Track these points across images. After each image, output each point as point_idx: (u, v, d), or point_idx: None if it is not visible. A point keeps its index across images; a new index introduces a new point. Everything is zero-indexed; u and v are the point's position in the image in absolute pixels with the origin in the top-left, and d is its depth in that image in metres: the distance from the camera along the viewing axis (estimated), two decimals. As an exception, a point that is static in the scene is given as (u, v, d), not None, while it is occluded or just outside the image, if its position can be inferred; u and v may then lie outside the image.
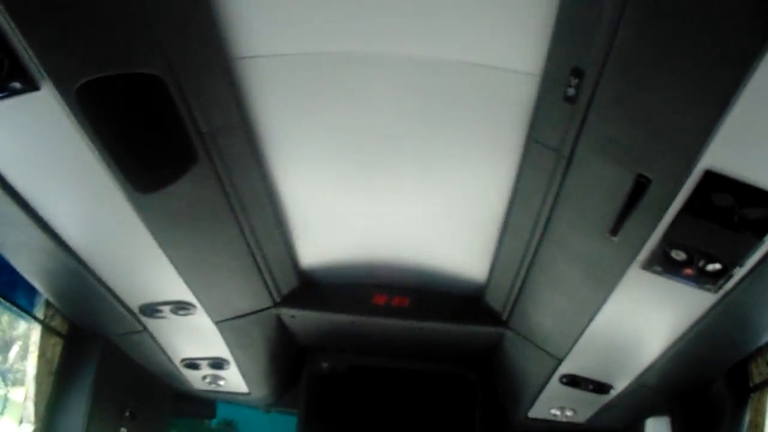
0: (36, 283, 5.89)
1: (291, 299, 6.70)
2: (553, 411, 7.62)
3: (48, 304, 6.31)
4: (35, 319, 6.21)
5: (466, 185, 5.10)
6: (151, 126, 4.10)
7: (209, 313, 6.19)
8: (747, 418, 5.82)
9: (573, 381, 6.70)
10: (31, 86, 3.51)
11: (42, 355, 6.30)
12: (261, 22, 3.83)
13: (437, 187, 5.18)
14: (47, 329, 6.37)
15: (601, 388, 6.74)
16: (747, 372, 5.86)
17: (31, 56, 3.32)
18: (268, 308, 6.61)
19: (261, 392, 8.14)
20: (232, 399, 8.54)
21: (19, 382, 6.80)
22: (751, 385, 5.81)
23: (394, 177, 5.11)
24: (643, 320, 5.34)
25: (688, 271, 4.40)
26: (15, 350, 8.09)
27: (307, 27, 3.88)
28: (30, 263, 5.49)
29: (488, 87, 4.10)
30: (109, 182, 4.28)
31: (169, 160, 4.37)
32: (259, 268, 5.88)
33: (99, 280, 5.62)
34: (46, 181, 4.49)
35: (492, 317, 6.68)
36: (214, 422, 10.47)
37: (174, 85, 3.80)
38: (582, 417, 7.72)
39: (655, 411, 6.85)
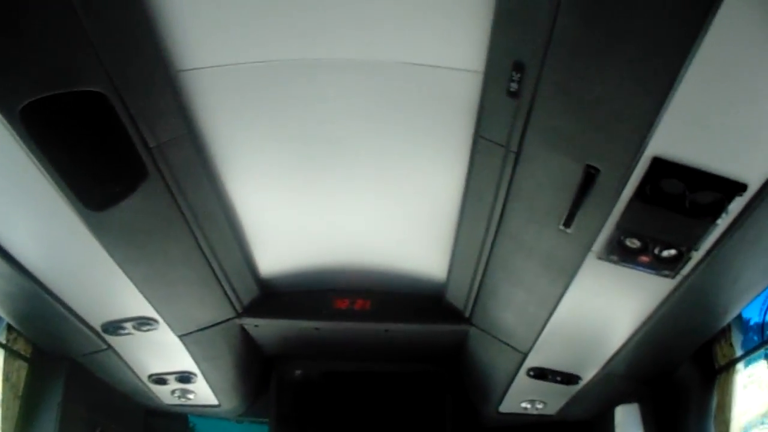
0: (-5, 307, 5.83)
1: (253, 309, 6.69)
2: (523, 404, 7.66)
3: (10, 327, 6.22)
4: (-3, 343, 6.14)
5: (418, 185, 5.11)
6: (99, 143, 4.07)
7: (172, 327, 6.16)
8: (714, 399, 5.88)
9: (540, 374, 6.73)
10: (-27, 110, 3.48)
11: (7, 379, 6.21)
12: (201, 35, 3.81)
13: (390, 189, 5.19)
14: (11, 353, 6.27)
15: (569, 379, 6.78)
16: (712, 354, 5.92)
17: None
18: (230, 319, 6.59)
19: (231, 403, 8.09)
20: (202, 412, 8.48)
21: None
22: (716, 366, 5.88)
23: (347, 181, 5.11)
24: (604, 310, 5.38)
25: (644, 258, 4.44)
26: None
27: (248, 37, 3.87)
28: (-13, 288, 5.42)
29: (433, 86, 4.12)
30: (60, 202, 4.25)
31: (119, 177, 4.35)
32: (218, 280, 5.86)
33: (59, 300, 5.57)
34: (-3, 206, 4.45)
35: (454, 315, 6.70)
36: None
37: (118, 101, 3.77)
38: (552, 409, 7.75)
39: (624, 398, 6.90)
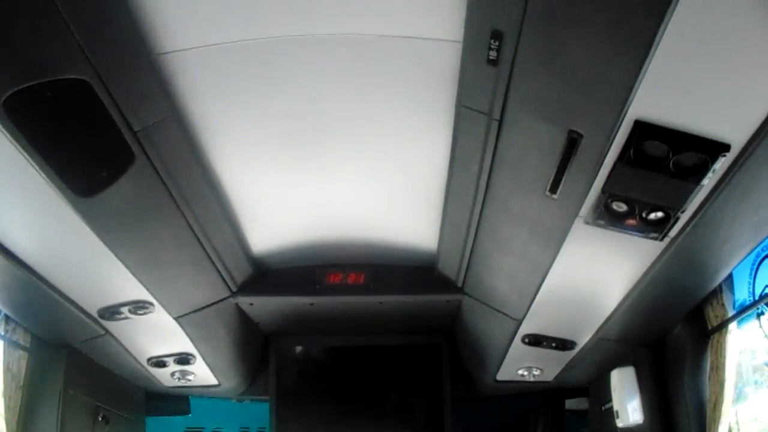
0: (-9, 299, 5.86)
1: (247, 287, 6.76)
2: (520, 372, 7.75)
3: (7, 318, 6.25)
4: (-5, 335, 6.16)
5: (405, 157, 5.12)
6: (84, 129, 4.07)
7: (168, 309, 6.20)
8: (708, 360, 5.93)
9: (535, 340, 6.80)
10: (-43, 103, 3.48)
11: (8, 369, 6.25)
12: (180, 16, 3.79)
13: (377, 162, 5.20)
14: (10, 344, 6.31)
15: (564, 344, 6.87)
16: (704, 316, 5.96)
17: None
18: (225, 298, 6.66)
19: (231, 383, 8.19)
20: (203, 393, 8.59)
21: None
22: (709, 328, 5.91)
23: (334, 156, 5.12)
24: (594, 274, 5.44)
25: (631, 221, 4.48)
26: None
27: (228, 16, 3.86)
28: (-18, 280, 5.44)
29: (413, 57, 4.10)
30: (49, 190, 4.25)
31: (106, 162, 4.35)
32: (212, 260, 5.89)
33: (54, 289, 5.61)
34: (-14, 197, 4.47)
35: (447, 285, 6.76)
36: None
37: (100, 87, 3.76)
38: (549, 375, 7.86)
39: (619, 362, 6.94)
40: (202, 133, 4.72)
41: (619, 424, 6.91)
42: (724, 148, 3.76)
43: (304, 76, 4.34)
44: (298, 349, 8.38)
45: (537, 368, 7.66)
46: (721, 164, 3.87)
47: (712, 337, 5.88)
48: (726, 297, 5.70)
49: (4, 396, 6.19)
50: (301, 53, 4.12)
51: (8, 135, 3.72)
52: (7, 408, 6.21)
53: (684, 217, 4.39)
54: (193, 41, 3.96)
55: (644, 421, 6.66)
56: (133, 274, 5.49)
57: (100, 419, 7.28)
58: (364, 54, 4.13)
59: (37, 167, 4.01)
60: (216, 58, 4.09)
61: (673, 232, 4.57)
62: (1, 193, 4.48)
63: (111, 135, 4.12)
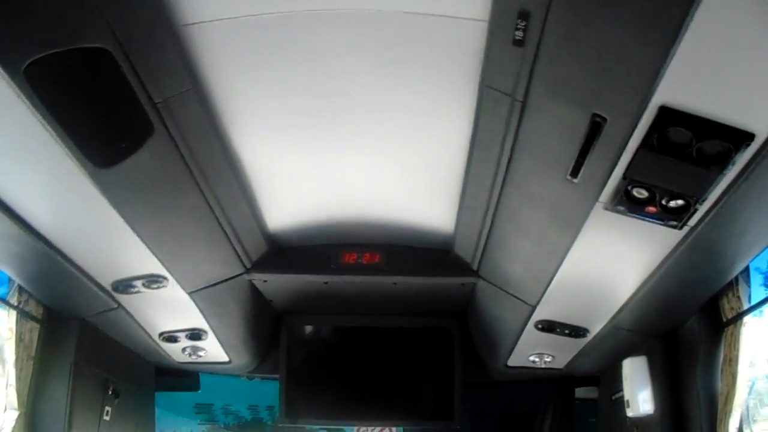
0: (5, 269, 5.89)
1: (262, 264, 6.77)
2: (531, 358, 7.75)
3: (21, 289, 6.27)
4: (8, 305, 6.17)
5: (425, 137, 5.09)
6: (104, 100, 4.06)
7: (182, 284, 6.21)
8: (721, 352, 5.90)
9: (549, 326, 6.78)
10: (-23, 69, 3.47)
11: (20, 340, 6.27)
12: None
13: (397, 141, 5.18)
14: (22, 314, 6.33)
15: (577, 332, 6.84)
16: (719, 307, 5.91)
17: None
18: (239, 275, 6.68)
19: (242, 360, 8.22)
20: (213, 369, 8.64)
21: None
22: (723, 320, 5.86)
23: (353, 134, 5.10)
24: (611, 261, 5.39)
25: (651, 208, 4.42)
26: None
27: None
28: (-3, 250, 5.46)
29: (437, 36, 4.07)
30: (67, 160, 4.25)
31: (125, 133, 4.35)
32: (227, 235, 5.90)
33: (69, 260, 5.61)
34: (4, 165, 4.46)
35: (463, 268, 6.76)
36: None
37: (122, 56, 3.75)
38: (561, 362, 7.85)
39: (631, 351, 6.92)
40: (222, 108, 4.71)
41: (630, 413, 6.89)
42: (748, 137, 3.70)
43: (325, 52, 4.31)
44: (310, 328, 8.41)
45: (549, 355, 7.66)
46: (744, 154, 3.80)
47: (726, 329, 5.83)
48: (742, 289, 5.64)
49: (16, 366, 6.21)
50: (323, 29, 4.09)
51: (28, 104, 3.71)
52: (18, 378, 6.24)
53: (704, 206, 4.33)
54: (216, 13, 3.93)
55: (655, 411, 6.64)
56: (148, 248, 5.51)
57: (110, 392, 7.31)
58: (386, 31, 4.10)
59: (55, 136, 4.01)
60: (238, 32, 4.07)
61: (692, 221, 4.52)
62: (19, 163, 4.46)
63: (131, 106, 4.11)
